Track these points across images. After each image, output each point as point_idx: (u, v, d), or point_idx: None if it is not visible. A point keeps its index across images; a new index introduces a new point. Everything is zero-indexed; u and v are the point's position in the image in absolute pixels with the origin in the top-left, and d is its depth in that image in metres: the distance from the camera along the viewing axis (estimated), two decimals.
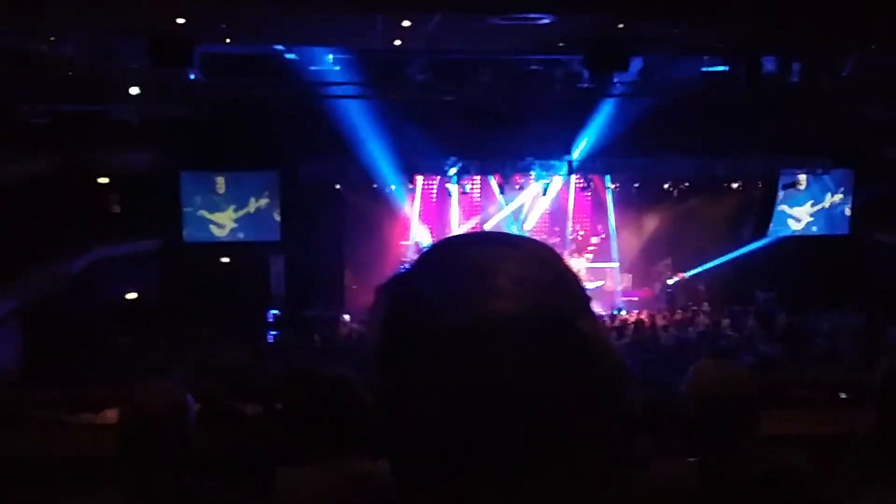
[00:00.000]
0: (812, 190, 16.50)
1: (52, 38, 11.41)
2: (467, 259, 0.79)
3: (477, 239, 0.86)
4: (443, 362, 0.73)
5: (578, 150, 15.70)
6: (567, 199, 18.79)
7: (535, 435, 0.72)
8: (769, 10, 9.76)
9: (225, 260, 15.53)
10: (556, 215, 19.07)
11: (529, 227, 18.98)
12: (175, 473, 2.50)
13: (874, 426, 2.40)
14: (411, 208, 18.39)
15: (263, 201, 15.43)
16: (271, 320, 15.04)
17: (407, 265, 0.84)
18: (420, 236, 18.68)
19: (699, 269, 17.43)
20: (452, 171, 16.10)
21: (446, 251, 0.83)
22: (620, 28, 10.67)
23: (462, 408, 0.72)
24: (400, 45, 11.72)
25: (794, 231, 16.87)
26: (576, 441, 0.74)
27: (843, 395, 7.11)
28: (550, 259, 0.82)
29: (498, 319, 0.73)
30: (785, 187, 16.26)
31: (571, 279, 0.82)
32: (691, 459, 2.45)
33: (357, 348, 12.25)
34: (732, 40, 11.99)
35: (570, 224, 19.22)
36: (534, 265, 0.79)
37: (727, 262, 16.93)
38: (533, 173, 16.74)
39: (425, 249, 0.84)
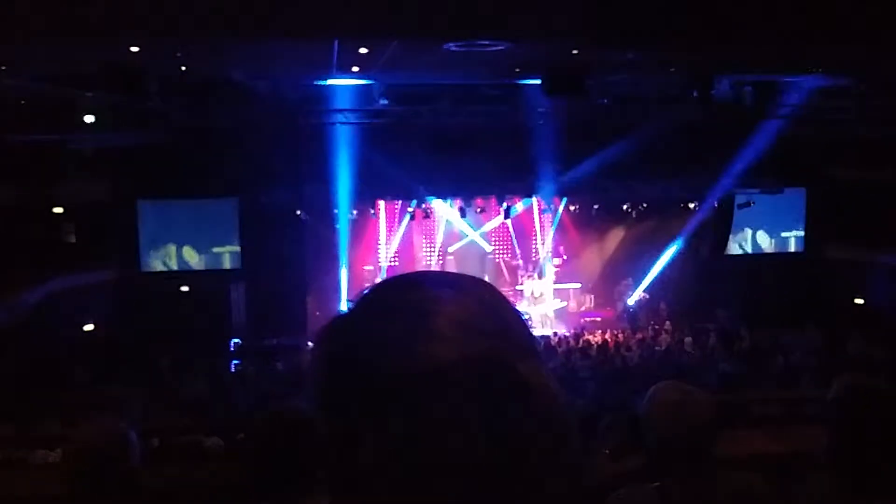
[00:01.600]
0: (766, 209, 16.82)
1: (3, 68, 11.26)
2: (406, 302, 0.78)
3: (417, 280, 0.84)
4: (383, 408, 0.73)
5: (539, 174, 15.83)
6: (529, 222, 18.95)
7: (478, 479, 0.71)
8: (721, 35, 9.99)
9: (184, 289, 15.29)
10: (518, 237, 19.20)
11: (492, 249, 19.10)
12: None
13: (828, 442, 2.43)
14: (373, 233, 18.40)
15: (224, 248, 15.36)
16: (233, 349, 14.85)
17: (345, 309, 0.83)
18: (383, 261, 18.68)
19: (659, 288, 17.67)
20: (414, 195, 16.15)
21: (385, 294, 0.82)
22: (575, 54, 10.83)
23: (404, 453, 0.72)
24: (357, 72, 11.76)
25: (750, 250, 17.15)
26: (519, 486, 0.73)
27: (804, 411, 7.21)
28: (492, 300, 0.81)
29: (437, 364, 0.72)
30: (740, 207, 16.55)
31: (514, 321, 0.80)
32: (653, 484, 2.44)
33: None
34: (685, 65, 12.25)
35: (532, 246, 19.37)
36: (474, 307, 0.78)
37: (688, 281, 17.17)
38: (494, 196, 16.86)
39: (364, 292, 0.83)
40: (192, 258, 15.29)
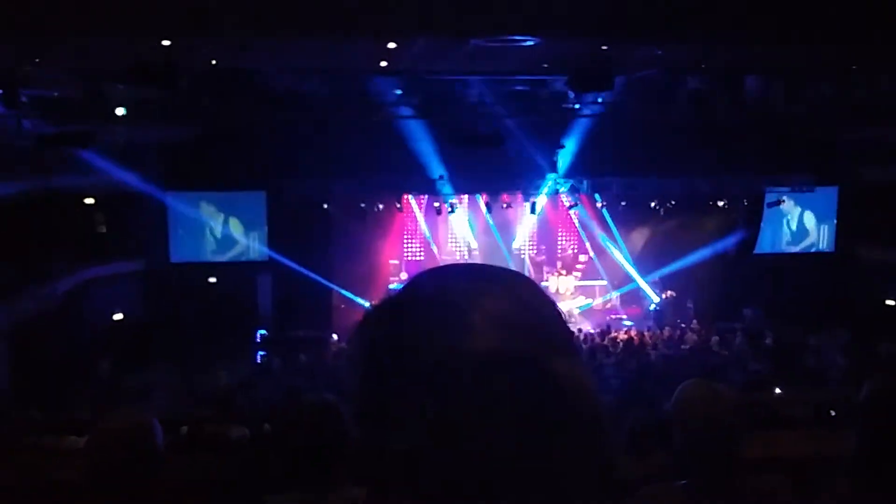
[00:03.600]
0: (797, 208, 16.64)
1: (38, 60, 11.44)
2: (447, 294, 0.79)
3: (459, 272, 0.85)
4: (418, 394, 0.74)
5: (566, 169, 15.78)
6: (555, 218, 18.89)
7: (507, 470, 0.73)
8: (752, 33, 9.89)
9: (212, 280, 15.46)
10: (543, 233, 19.15)
11: (518, 245, 19.06)
12: (147, 499, 2.47)
13: (857, 446, 2.37)
14: (399, 227, 18.46)
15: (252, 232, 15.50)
16: (259, 341, 14.99)
17: (386, 299, 0.84)
18: (408, 255, 18.74)
19: (686, 286, 17.53)
20: (440, 190, 16.16)
21: (428, 283, 0.84)
22: (604, 49, 10.78)
23: (438, 441, 0.73)
24: (386, 67, 11.79)
25: (780, 249, 16.97)
26: (548, 482, 0.74)
27: (832, 413, 7.13)
28: (531, 296, 0.81)
29: (471, 358, 0.73)
30: (769, 205, 16.37)
31: (551, 317, 0.81)
32: (679, 483, 2.43)
33: (345, 369, 12.20)
34: (715, 62, 12.14)
35: (558, 242, 19.32)
36: (512, 302, 0.79)
37: (715, 279, 17.03)
38: (520, 192, 16.82)
39: (406, 282, 0.84)
40: (238, 230, 15.42)
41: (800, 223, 16.98)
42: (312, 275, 15.84)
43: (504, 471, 0.73)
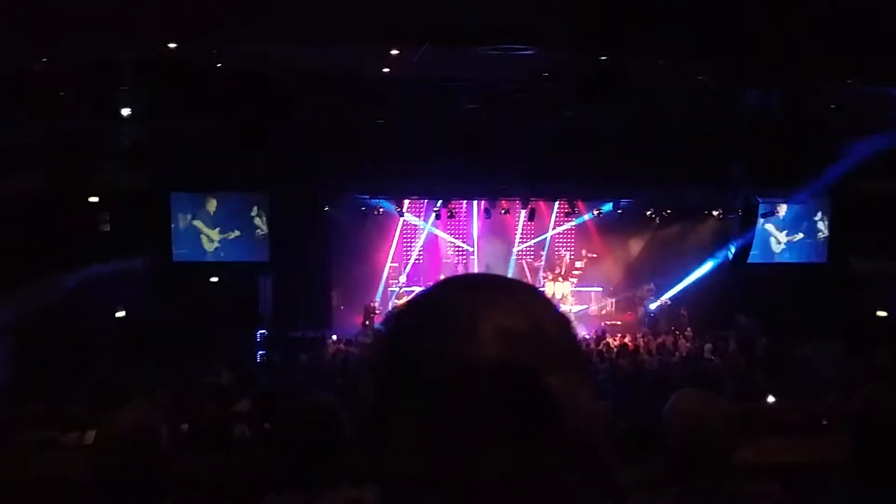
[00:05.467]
0: (791, 219, 16.77)
1: (45, 59, 11.57)
2: (459, 303, 0.82)
3: (474, 283, 0.87)
4: (420, 396, 0.78)
5: (564, 178, 15.89)
6: (552, 225, 19.04)
7: (493, 483, 0.76)
8: (751, 45, 10.01)
9: (213, 279, 15.59)
10: (541, 239, 19.30)
11: (516, 250, 19.21)
12: (153, 497, 2.50)
13: (850, 455, 2.42)
14: (399, 231, 18.59)
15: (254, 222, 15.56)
16: (259, 340, 15.11)
17: (402, 306, 0.89)
18: (408, 259, 18.86)
19: (680, 294, 17.68)
20: (439, 195, 16.28)
21: (445, 290, 0.87)
22: (604, 59, 10.92)
23: (427, 441, 0.77)
24: (388, 72, 11.93)
25: (773, 259, 17.11)
26: (539, 496, 0.77)
27: (824, 423, 7.22)
28: (537, 308, 0.83)
29: (472, 367, 0.77)
30: (764, 216, 16.49)
31: (557, 332, 0.83)
32: (672, 490, 2.47)
33: (343, 369, 12.33)
34: (714, 73, 12.27)
35: (555, 248, 19.46)
36: (518, 315, 0.81)
37: (709, 288, 17.16)
38: (519, 198, 16.95)
39: (421, 291, 0.88)
40: (240, 230, 15.50)
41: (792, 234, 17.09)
42: (313, 276, 15.99)
43: (490, 479, 0.76)
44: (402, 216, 17.85)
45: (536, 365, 0.78)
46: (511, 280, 0.89)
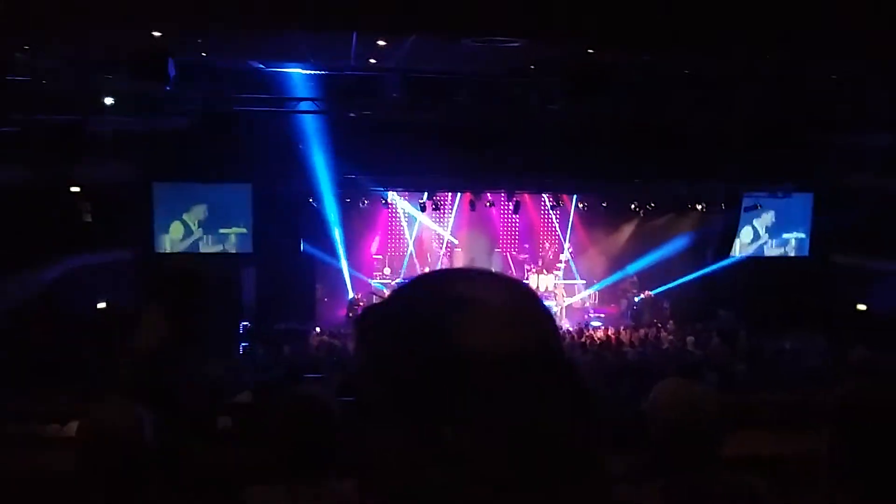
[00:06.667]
0: (773, 213, 16.88)
1: (27, 48, 11.43)
2: (447, 293, 0.83)
3: (461, 276, 0.89)
4: (423, 387, 0.79)
5: (549, 171, 15.93)
6: (537, 218, 19.09)
7: (512, 456, 0.78)
8: (737, 38, 10.04)
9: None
10: (525, 233, 19.34)
11: (500, 243, 19.25)
12: (136, 489, 2.50)
13: (831, 448, 2.39)
14: (384, 223, 18.58)
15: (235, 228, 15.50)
16: (242, 332, 15.06)
17: (386, 297, 0.91)
18: (392, 251, 18.86)
19: (664, 288, 17.77)
20: (424, 187, 16.27)
21: (433, 282, 0.89)
22: (591, 53, 10.93)
23: (440, 431, 0.77)
24: (375, 64, 11.88)
25: (755, 253, 17.24)
26: (556, 465, 0.79)
27: (806, 414, 7.27)
28: (522, 305, 0.85)
29: (458, 354, 0.78)
30: (747, 210, 16.62)
31: (544, 316, 0.86)
32: (656, 482, 2.46)
33: (327, 361, 12.31)
34: (702, 68, 12.31)
35: (539, 241, 19.51)
36: (503, 310, 0.82)
37: (692, 281, 17.27)
38: (504, 191, 16.97)
39: (405, 282, 0.91)
40: (222, 222, 15.38)
41: (772, 228, 17.22)
42: (297, 268, 15.94)
43: (507, 455, 0.78)
44: (387, 207, 17.84)
45: (538, 341, 0.81)
46: (496, 275, 0.90)
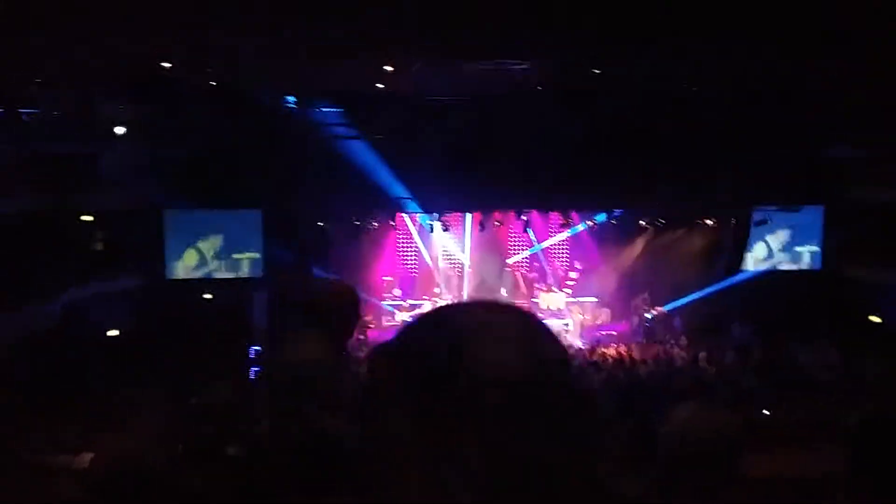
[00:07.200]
0: (784, 227, 16.81)
1: (39, 80, 11.59)
2: (459, 322, 0.87)
3: (468, 307, 0.93)
4: (420, 402, 0.82)
5: (557, 188, 15.93)
6: (546, 236, 19.06)
7: (523, 483, 0.80)
8: (739, 51, 10.07)
9: (207, 296, 15.54)
10: (535, 252, 19.30)
11: (510, 262, 19.21)
12: None
13: (848, 469, 2.40)
14: (393, 244, 18.60)
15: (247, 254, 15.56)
16: (253, 357, 15.04)
17: (403, 329, 0.93)
18: (402, 272, 18.85)
19: (676, 304, 17.68)
20: (433, 208, 16.30)
21: (447, 313, 0.92)
22: (597, 73, 10.99)
23: (432, 439, 0.80)
24: (382, 88, 11.98)
25: (766, 267, 17.15)
26: (562, 483, 0.82)
27: (822, 432, 7.20)
28: (530, 334, 0.89)
29: (468, 381, 0.81)
30: (757, 224, 16.54)
31: (552, 344, 0.90)
32: None
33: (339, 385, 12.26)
34: (704, 80, 12.34)
35: (549, 260, 19.47)
36: (511, 338, 0.86)
37: (703, 296, 17.17)
38: (513, 210, 16.97)
39: (422, 315, 0.94)
40: (234, 247, 15.44)
41: (787, 244, 17.14)
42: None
43: (517, 480, 0.80)
44: (396, 228, 17.85)
45: (547, 366, 0.85)
46: (504, 305, 0.93)
